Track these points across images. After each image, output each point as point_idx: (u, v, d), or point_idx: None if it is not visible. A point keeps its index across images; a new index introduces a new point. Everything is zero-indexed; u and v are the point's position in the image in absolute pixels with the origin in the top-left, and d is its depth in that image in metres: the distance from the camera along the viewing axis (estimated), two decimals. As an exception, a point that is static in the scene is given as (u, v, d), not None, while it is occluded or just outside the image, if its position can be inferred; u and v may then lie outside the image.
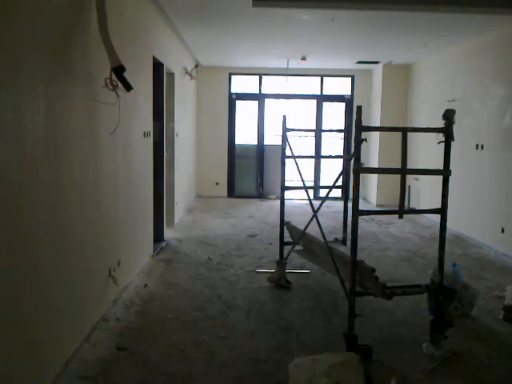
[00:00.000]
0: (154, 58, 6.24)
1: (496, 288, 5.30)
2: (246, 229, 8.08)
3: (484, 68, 7.40)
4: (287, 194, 11.65)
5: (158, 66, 6.61)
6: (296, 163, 4.95)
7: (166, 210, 7.29)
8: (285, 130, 5.01)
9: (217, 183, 11.71)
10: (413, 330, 4.13)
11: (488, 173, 6.98)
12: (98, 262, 4.07)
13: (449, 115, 3.58)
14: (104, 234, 4.21)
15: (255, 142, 11.81)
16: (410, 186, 10.15)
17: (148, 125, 5.95)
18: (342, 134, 11.20)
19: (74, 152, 3.46)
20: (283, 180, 5.10)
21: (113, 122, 4.13)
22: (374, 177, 10.61)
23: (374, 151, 10.59)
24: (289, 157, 5.08)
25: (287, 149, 5.07)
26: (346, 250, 4.93)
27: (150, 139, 6.08)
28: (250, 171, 11.86)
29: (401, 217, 3.65)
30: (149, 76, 5.97)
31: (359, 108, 3.46)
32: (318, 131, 5.08)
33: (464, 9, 5.32)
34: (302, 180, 4.90)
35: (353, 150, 3.52)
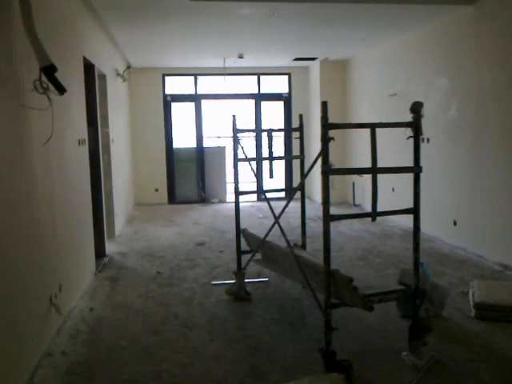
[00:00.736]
0: (85, 59, 5.71)
1: (458, 283, 5.19)
2: (192, 237, 7.66)
3: (426, 60, 7.37)
4: (230, 197, 11.53)
5: (88, 68, 6.07)
6: (251, 166, 4.62)
7: (106, 222, 6.76)
8: (236, 131, 4.66)
9: (156, 189, 11.17)
10: (388, 338, 3.90)
11: (436, 166, 6.94)
12: (37, 289, 3.56)
13: (417, 108, 3.37)
14: (43, 256, 3.71)
15: (194, 145, 11.37)
16: (353, 183, 10.08)
17: (83, 132, 5.43)
18: (282, 133, 11.02)
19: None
20: (237, 184, 4.73)
21: (46, 131, 3.62)
22: (316, 173, 10.46)
23: (313, 145, 10.38)
24: (242, 160, 4.73)
25: (239, 151, 4.71)
26: (306, 254, 4.66)
27: (86, 147, 5.55)
28: (191, 175, 11.40)
29: (374, 220, 3.40)
30: (80, 78, 5.45)
31: (324, 104, 3.17)
32: (269, 131, 4.76)
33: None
34: (258, 183, 4.57)
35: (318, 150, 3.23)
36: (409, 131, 3.40)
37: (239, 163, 4.72)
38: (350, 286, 3.17)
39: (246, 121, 11.35)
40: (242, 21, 6.64)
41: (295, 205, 10.26)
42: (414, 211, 3.51)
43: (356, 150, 9.98)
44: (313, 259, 4.05)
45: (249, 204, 10.44)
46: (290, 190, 5.08)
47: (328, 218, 3.23)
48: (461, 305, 4.57)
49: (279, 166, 10.93)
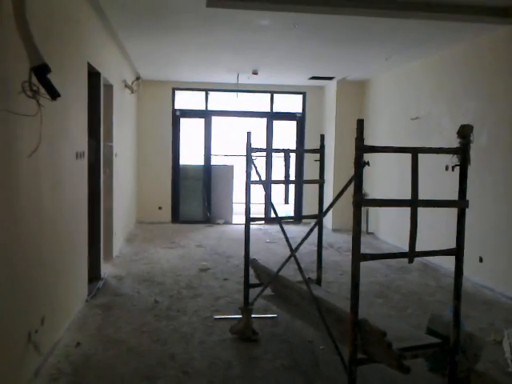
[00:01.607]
0: (89, 66, 5.27)
1: (489, 329, 4.66)
2: (196, 261, 7.13)
3: (453, 82, 6.90)
4: (236, 219, 11.02)
5: (93, 76, 5.64)
6: (265, 189, 4.12)
7: (103, 242, 6.25)
8: (250, 149, 4.17)
9: (160, 207, 10.67)
10: (418, 398, 3.36)
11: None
12: (13, 325, 3.05)
13: (466, 132, 2.88)
14: (24, 284, 3.20)
15: (202, 163, 10.90)
16: (367, 209, 9.55)
17: (82, 144, 4.96)
18: (293, 154, 10.55)
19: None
20: (248, 209, 4.24)
21: (34, 140, 3.15)
22: (327, 196, 9.96)
23: (328, 169, 9.92)
24: (256, 182, 4.24)
25: (253, 171, 4.21)
26: (324, 293, 4.14)
27: (85, 160, 5.08)
28: (196, 194, 10.91)
29: (411, 261, 2.89)
30: (83, 85, 5.01)
31: (360, 122, 2.70)
32: (287, 151, 4.30)
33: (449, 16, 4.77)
34: (274, 209, 4.06)
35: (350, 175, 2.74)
36: (449, 159, 2.92)
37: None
38: (383, 341, 2.65)
39: (257, 140, 10.90)
40: (259, 33, 6.22)
41: (304, 229, 9.85)
42: (457, 252, 3.01)
43: (372, 174, 9.48)
44: (333, 302, 3.52)
45: (255, 227, 9.91)
46: (320, 216, 4.54)
47: (359, 258, 2.72)
48: (495, 357, 4.02)
49: (291, 190, 10.40)
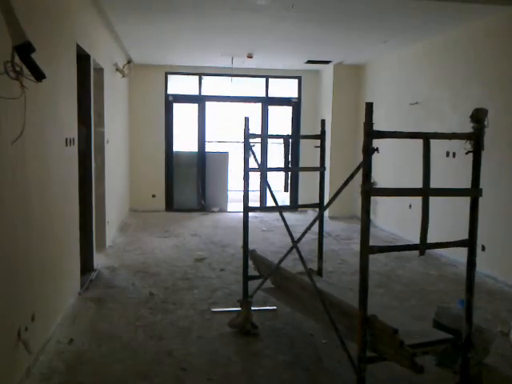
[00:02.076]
0: (78, 47, 5.02)
1: (494, 320, 4.52)
2: (191, 251, 6.94)
3: (454, 65, 6.70)
4: (232, 206, 10.82)
5: (83, 58, 5.40)
6: (265, 176, 3.93)
7: (95, 231, 6.05)
8: (247, 135, 3.97)
9: (153, 195, 10.44)
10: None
11: (463, 184, 6.25)
12: (1, 323, 2.86)
13: (480, 116, 2.70)
14: (11, 279, 3.01)
15: (196, 149, 10.66)
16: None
17: (72, 130, 4.73)
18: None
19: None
20: (247, 198, 4.05)
21: (19, 125, 2.93)
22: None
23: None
24: (254, 169, 4.05)
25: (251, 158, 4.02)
26: (327, 285, 3.97)
27: (75, 148, 4.86)
28: (190, 181, 10.68)
29: (422, 254, 2.71)
30: (71, 67, 4.77)
31: (369, 106, 2.50)
32: (288, 137, 4.11)
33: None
34: (274, 197, 3.88)
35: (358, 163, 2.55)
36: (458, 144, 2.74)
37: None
38: (395, 338, 2.48)
39: (252, 126, 10.66)
40: (256, 15, 5.98)
41: (300, 217, 9.70)
42: (470, 243, 2.84)
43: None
44: (337, 294, 3.35)
45: (251, 215, 9.68)
46: (320, 206, 4.37)
47: (367, 251, 2.54)
48: (503, 350, 3.88)
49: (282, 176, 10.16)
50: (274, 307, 4.67)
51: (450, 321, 3.60)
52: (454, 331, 3.31)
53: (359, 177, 2.60)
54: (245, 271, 4.17)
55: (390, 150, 8.12)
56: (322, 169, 4.39)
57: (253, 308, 4.30)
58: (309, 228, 3.36)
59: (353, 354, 2.85)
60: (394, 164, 8.25)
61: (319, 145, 4.28)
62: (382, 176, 8.49)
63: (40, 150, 3.63)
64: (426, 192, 2.62)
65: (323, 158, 4.38)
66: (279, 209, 3.81)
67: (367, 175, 2.51)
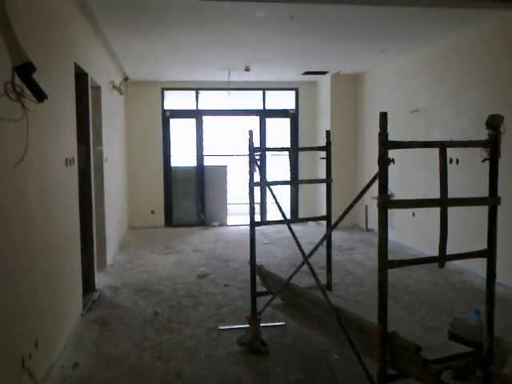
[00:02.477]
0: (76, 66, 4.98)
1: (507, 329, 4.43)
2: (193, 267, 6.85)
3: (455, 72, 6.68)
4: (231, 220, 10.75)
5: (81, 77, 5.34)
6: (271, 190, 3.86)
7: (96, 251, 5.95)
8: (252, 149, 3.91)
9: (152, 211, 10.36)
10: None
11: (466, 190, 6.19)
12: (4, 352, 2.76)
13: (495, 123, 2.64)
14: (14, 306, 2.92)
15: (194, 164, 10.60)
16: (366, 206, 9.34)
17: (71, 149, 4.67)
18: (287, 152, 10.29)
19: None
20: (253, 214, 3.98)
21: (20, 147, 2.86)
22: (322, 191, 9.74)
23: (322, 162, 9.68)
24: (258, 184, 3.98)
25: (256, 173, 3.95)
26: (336, 299, 3.88)
27: (75, 167, 4.79)
28: (189, 196, 10.61)
29: (442, 266, 2.64)
30: (70, 87, 4.71)
31: (383, 115, 2.43)
32: (293, 150, 4.05)
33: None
34: (281, 210, 3.81)
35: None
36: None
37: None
38: (419, 356, 2.39)
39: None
40: (254, 28, 5.96)
41: (301, 228, 9.60)
42: (489, 254, 2.77)
43: (369, 168, 9.25)
44: (349, 309, 3.27)
45: (252, 228, 9.64)
46: (328, 219, 4.30)
47: (386, 265, 2.46)
48: (519, 360, 3.79)
49: (284, 189, 10.07)
50: (283, 323, 4.58)
51: (467, 332, 3.53)
52: (472, 343, 3.24)
53: (360, 186, 2.54)
54: (252, 287, 4.09)
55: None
56: (329, 180, 4.33)
57: (261, 324, 4.22)
58: (320, 243, 3.28)
59: (370, 370, 2.77)
60: (398, 174, 8.20)
61: (325, 156, 4.21)
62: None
63: (41, 172, 3.56)
64: (444, 202, 2.55)
65: (329, 169, 4.31)
66: (288, 222, 3.74)
67: (383, 187, 2.44)
